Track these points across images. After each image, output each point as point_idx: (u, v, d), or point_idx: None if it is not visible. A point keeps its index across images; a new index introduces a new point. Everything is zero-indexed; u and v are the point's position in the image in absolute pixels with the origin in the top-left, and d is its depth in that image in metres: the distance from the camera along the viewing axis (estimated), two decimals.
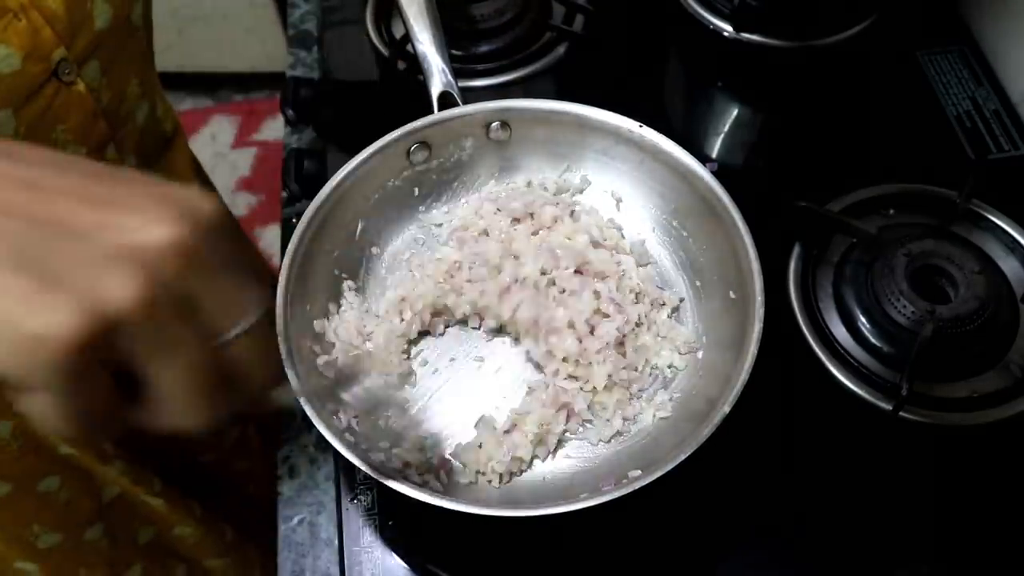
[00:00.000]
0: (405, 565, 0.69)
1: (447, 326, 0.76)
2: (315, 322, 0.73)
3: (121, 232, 0.34)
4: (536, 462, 0.69)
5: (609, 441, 0.70)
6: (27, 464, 0.75)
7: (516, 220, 0.78)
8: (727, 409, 0.61)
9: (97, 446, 0.77)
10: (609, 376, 0.70)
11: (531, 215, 0.78)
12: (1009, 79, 0.94)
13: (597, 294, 0.72)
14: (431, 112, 0.78)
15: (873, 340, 0.74)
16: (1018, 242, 0.79)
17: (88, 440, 0.55)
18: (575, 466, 0.69)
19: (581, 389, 0.70)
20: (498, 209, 0.79)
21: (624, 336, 0.72)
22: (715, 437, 0.60)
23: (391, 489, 0.60)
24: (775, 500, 0.71)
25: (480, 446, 0.68)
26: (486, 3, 0.98)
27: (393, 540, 0.69)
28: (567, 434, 0.70)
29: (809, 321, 0.75)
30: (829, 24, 0.95)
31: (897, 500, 0.70)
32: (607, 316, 0.72)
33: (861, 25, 0.95)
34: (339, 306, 0.75)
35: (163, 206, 0.35)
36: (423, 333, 0.76)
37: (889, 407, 0.70)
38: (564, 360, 0.71)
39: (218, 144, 2.29)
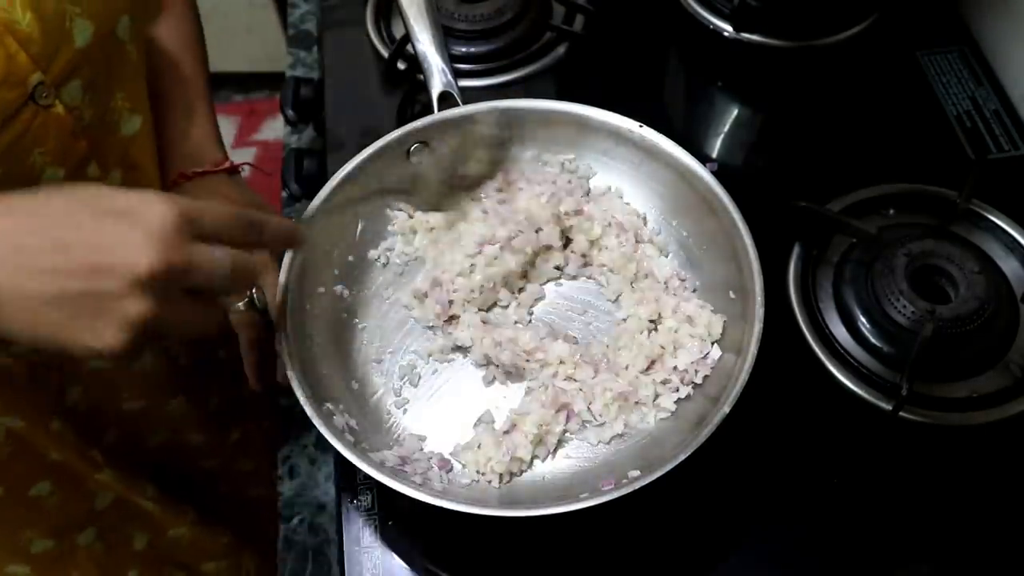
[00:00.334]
0: (405, 565, 0.69)
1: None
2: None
3: (124, 270, 0.47)
4: (536, 462, 0.69)
5: (609, 442, 0.70)
6: (18, 469, 0.75)
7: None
8: (727, 409, 0.61)
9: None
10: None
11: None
12: (1009, 79, 0.94)
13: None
14: (431, 112, 0.78)
15: (873, 340, 0.74)
16: (1018, 242, 0.79)
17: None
18: (575, 466, 0.69)
19: (580, 390, 0.70)
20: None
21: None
22: (715, 437, 0.60)
23: (391, 489, 0.61)
24: (775, 500, 0.71)
25: (479, 446, 0.68)
26: (486, 3, 0.98)
27: (393, 540, 0.69)
28: (567, 434, 0.70)
29: (809, 321, 0.76)
30: (829, 24, 0.95)
31: (897, 500, 0.70)
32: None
33: (861, 25, 0.95)
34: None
35: (144, 237, 0.48)
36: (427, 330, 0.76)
37: (889, 407, 0.70)
38: (561, 362, 0.71)
39: None
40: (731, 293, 0.71)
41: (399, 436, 0.71)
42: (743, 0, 0.93)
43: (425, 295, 0.76)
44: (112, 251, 0.47)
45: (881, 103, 0.94)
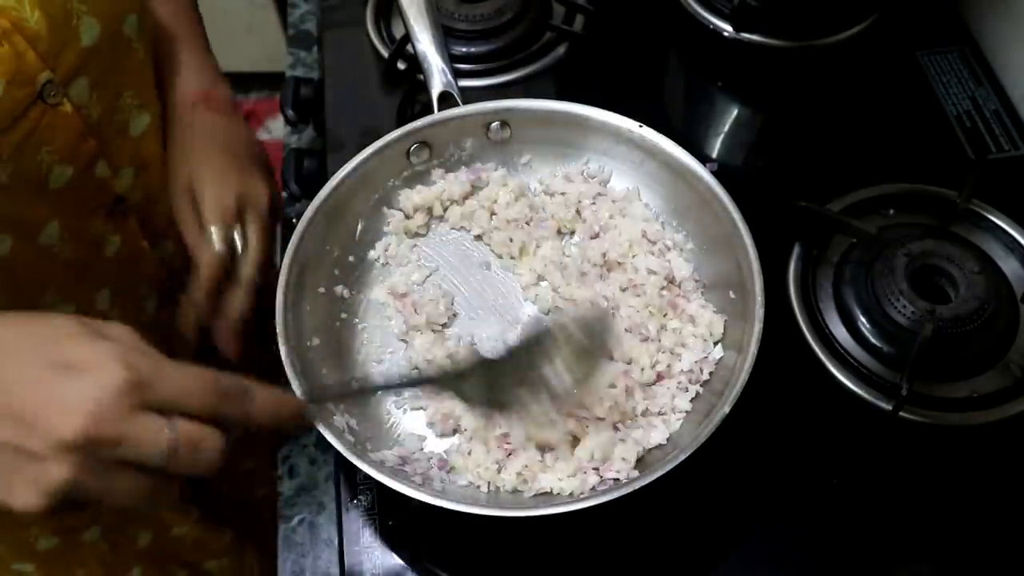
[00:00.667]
0: (405, 565, 0.69)
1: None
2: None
3: (53, 431, 0.44)
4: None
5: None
6: None
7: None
8: (727, 409, 0.61)
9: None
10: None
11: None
12: (1009, 79, 0.94)
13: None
14: (431, 112, 0.78)
15: (873, 340, 0.74)
16: (1018, 242, 0.79)
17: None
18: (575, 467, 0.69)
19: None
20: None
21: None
22: (715, 437, 0.60)
23: (391, 489, 0.61)
24: (775, 500, 0.71)
25: (469, 453, 0.68)
26: (486, 3, 0.98)
27: (393, 540, 0.69)
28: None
29: (809, 321, 0.75)
30: (829, 24, 0.95)
31: (897, 500, 0.70)
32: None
33: (861, 25, 0.95)
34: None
35: (81, 402, 0.44)
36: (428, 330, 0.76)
37: (889, 407, 0.70)
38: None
39: None
40: (731, 293, 0.71)
41: (399, 436, 0.70)
42: (743, 0, 0.93)
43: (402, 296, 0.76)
44: (44, 407, 0.44)
45: (881, 103, 0.94)
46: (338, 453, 0.62)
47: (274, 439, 0.78)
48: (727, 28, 0.96)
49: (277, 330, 0.67)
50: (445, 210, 0.80)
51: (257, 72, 2.29)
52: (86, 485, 0.45)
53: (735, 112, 0.97)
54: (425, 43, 0.80)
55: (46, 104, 0.60)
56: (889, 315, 0.73)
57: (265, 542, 0.84)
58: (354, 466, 0.61)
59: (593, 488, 0.64)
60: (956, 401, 0.72)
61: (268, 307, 0.69)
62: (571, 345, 0.61)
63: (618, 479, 0.64)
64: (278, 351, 0.66)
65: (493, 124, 0.79)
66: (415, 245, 0.80)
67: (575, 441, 0.67)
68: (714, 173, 0.73)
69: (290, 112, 0.99)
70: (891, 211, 0.82)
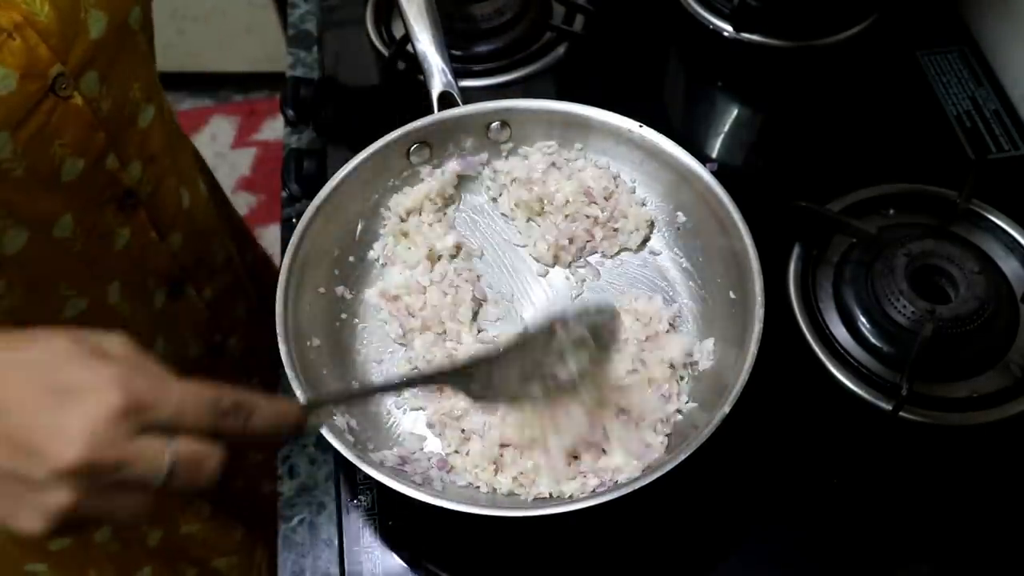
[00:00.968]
0: (405, 565, 0.69)
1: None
2: None
3: (50, 459, 0.44)
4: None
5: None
6: None
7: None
8: (727, 409, 0.61)
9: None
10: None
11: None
12: (1009, 79, 0.94)
13: None
14: (431, 112, 0.78)
15: (873, 340, 0.74)
16: (1018, 242, 0.79)
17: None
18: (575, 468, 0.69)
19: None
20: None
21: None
22: (715, 437, 0.60)
23: (391, 489, 0.60)
24: (775, 500, 0.71)
25: (467, 453, 0.68)
26: (486, 3, 0.98)
27: (393, 540, 0.69)
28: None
29: (809, 321, 0.75)
30: (829, 24, 0.95)
31: (897, 500, 0.70)
32: None
33: (861, 25, 0.95)
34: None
35: (77, 430, 0.44)
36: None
37: (889, 407, 0.70)
38: None
39: (218, 144, 2.29)
40: (731, 293, 0.71)
41: (399, 436, 0.70)
42: (743, 0, 0.93)
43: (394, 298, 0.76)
44: (42, 434, 0.44)
45: (881, 103, 0.94)
46: (338, 453, 0.62)
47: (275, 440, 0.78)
48: (727, 28, 0.96)
49: (277, 330, 0.67)
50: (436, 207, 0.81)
51: (257, 72, 2.29)
52: (87, 509, 0.45)
53: (735, 112, 0.97)
54: (425, 43, 0.80)
55: (58, 97, 0.61)
56: (889, 315, 0.73)
57: (273, 539, 0.84)
58: (354, 466, 0.61)
59: (593, 490, 0.65)
60: (956, 401, 0.72)
61: (269, 307, 0.69)
62: (577, 339, 0.62)
63: (617, 480, 0.64)
64: (278, 351, 0.66)
65: (493, 124, 0.79)
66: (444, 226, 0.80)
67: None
68: (714, 173, 0.73)
69: (290, 112, 0.99)
70: (891, 211, 0.82)
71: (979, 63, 0.96)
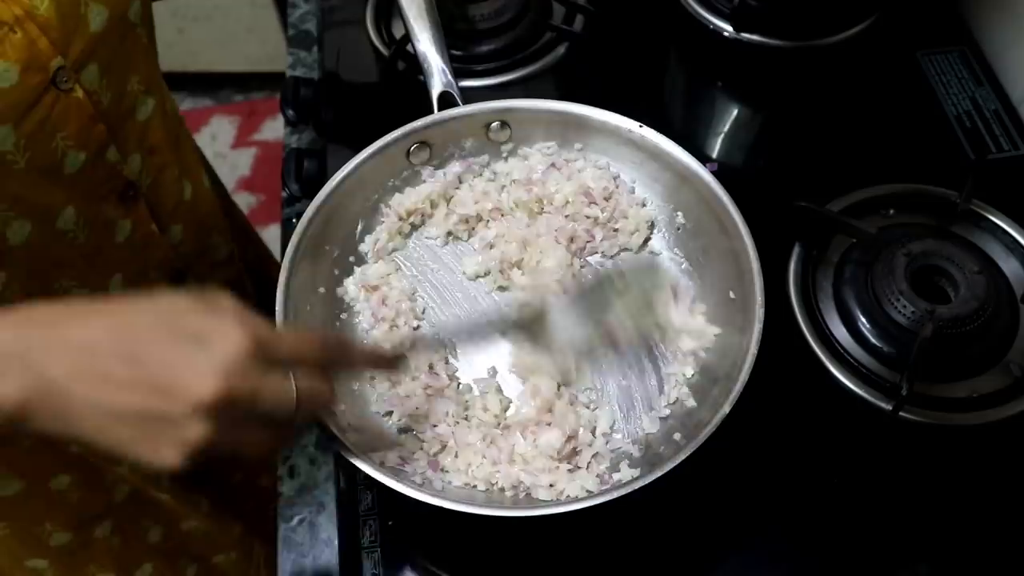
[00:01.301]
0: (405, 565, 0.69)
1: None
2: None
3: (190, 392, 0.47)
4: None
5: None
6: (38, 461, 0.76)
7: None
8: (727, 409, 0.61)
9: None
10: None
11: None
12: (1009, 79, 0.94)
13: None
14: (431, 112, 0.78)
15: (873, 340, 0.74)
16: (1018, 242, 0.79)
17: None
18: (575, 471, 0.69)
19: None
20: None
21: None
22: (715, 437, 0.60)
23: (391, 489, 0.60)
24: (775, 500, 0.71)
25: (456, 455, 0.68)
26: (486, 3, 0.98)
27: (393, 540, 0.69)
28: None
29: (809, 321, 0.75)
30: (829, 24, 0.95)
31: (897, 500, 0.70)
32: None
33: (861, 25, 0.95)
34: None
35: (212, 364, 0.48)
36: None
37: (889, 407, 0.70)
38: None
39: (218, 144, 2.29)
40: (731, 293, 0.71)
41: (399, 436, 0.70)
42: (743, 0, 0.93)
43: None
44: (180, 374, 0.48)
45: (881, 103, 0.94)
46: (338, 453, 0.62)
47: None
48: (727, 28, 0.96)
49: (277, 330, 0.67)
50: (434, 208, 0.81)
51: (257, 72, 2.30)
52: (222, 440, 0.49)
53: (735, 112, 0.97)
54: (425, 43, 0.80)
55: (59, 90, 0.61)
56: (889, 315, 0.73)
57: (271, 534, 0.84)
58: (354, 466, 0.61)
59: (591, 492, 0.65)
60: (956, 401, 0.72)
61: (269, 305, 0.69)
62: (630, 291, 0.67)
63: (618, 480, 0.64)
64: None
65: (493, 124, 0.79)
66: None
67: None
68: (714, 173, 0.73)
69: (290, 112, 0.99)
70: (891, 211, 0.82)
71: (979, 63, 0.96)
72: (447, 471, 0.68)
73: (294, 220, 0.75)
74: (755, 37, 0.95)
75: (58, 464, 0.77)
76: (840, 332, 0.76)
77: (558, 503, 0.60)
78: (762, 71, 0.98)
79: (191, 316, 0.50)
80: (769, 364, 0.64)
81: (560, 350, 0.68)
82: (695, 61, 1.02)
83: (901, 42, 0.98)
